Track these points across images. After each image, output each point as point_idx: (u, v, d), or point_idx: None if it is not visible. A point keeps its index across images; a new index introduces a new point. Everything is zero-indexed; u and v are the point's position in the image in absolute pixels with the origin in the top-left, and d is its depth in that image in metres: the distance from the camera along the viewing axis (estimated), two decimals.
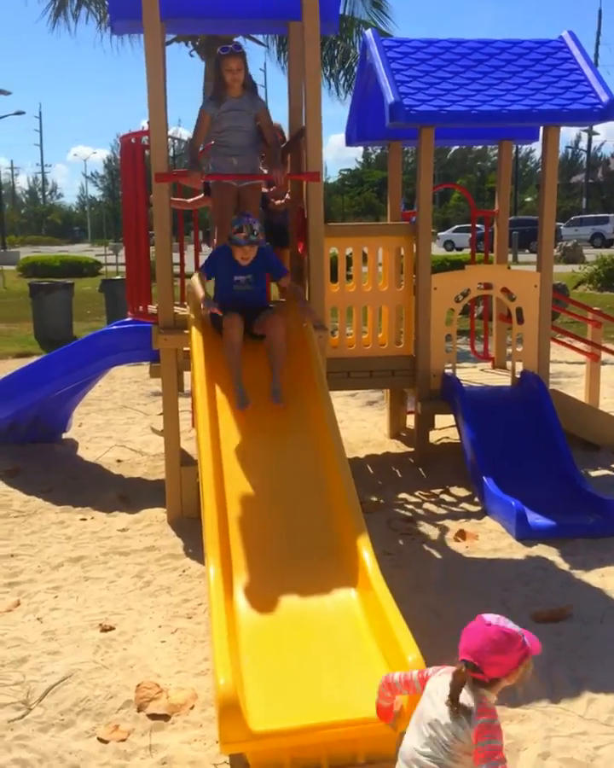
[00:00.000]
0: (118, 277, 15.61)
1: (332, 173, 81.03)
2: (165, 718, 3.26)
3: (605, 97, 6.04)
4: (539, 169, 6.67)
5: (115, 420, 8.31)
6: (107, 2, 6.48)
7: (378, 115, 6.32)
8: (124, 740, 3.13)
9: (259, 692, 3.00)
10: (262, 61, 71.26)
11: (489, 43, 6.52)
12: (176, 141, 15.22)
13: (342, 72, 16.77)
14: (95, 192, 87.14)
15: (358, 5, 16.56)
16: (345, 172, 72.51)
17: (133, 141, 5.72)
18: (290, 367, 4.82)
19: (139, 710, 3.30)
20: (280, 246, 5.84)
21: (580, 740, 3.11)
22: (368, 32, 6.72)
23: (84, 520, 5.49)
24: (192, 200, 6.36)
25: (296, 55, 5.81)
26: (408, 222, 7.02)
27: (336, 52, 16.50)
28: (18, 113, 48.84)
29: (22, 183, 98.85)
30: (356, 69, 11.62)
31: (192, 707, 3.32)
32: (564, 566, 4.66)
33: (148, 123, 5.16)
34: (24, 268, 28.28)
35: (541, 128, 6.42)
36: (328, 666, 3.16)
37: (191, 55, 15.39)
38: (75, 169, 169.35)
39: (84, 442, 7.40)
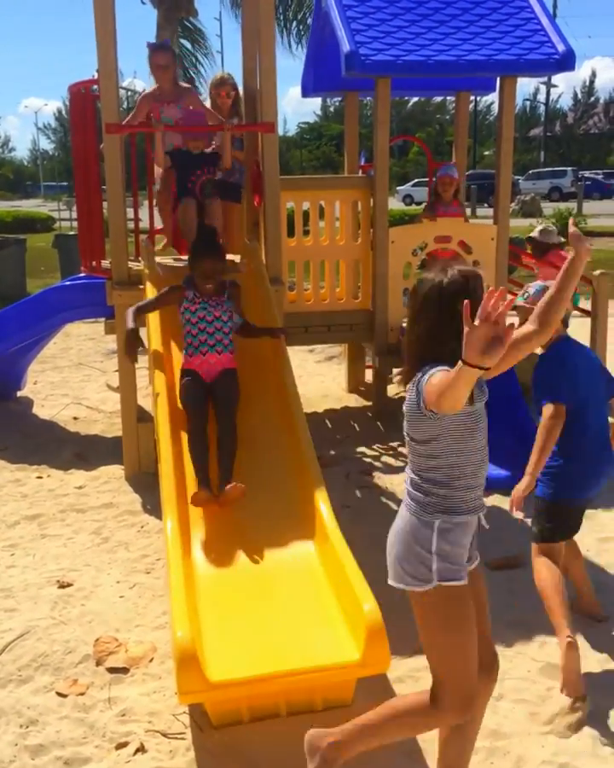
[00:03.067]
0: (72, 233, 15.33)
1: (291, 127, 79.93)
2: (124, 671, 3.28)
3: (561, 47, 6.00)
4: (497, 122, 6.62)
5: (71, 377, 8.22)
6: None
7: (334, 65, 6.22)
8: (82, 694, 3.14)
9: (217, 643, 3.03)
10: (216, 10, 69.64)
11: None
12: (129, 92, 14.88)
13: (295, 23, 16.44)
14: (47, 145, 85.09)
15: None
16: (303, 126, 71.65)
17: (83, 91, 5.57)
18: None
19: (98, 664, 3.32)
20: (231, 201, 5.74)
21: (532, 682, 3.19)
22: None
23: (41, 478, 5.45)
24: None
25: (250, 2, 5.67)
26: (366, 175, 6.96)
27: (290, 2, 16.16)
28: None
29: None
30: (310, 20, 11.41)
31: (150, 660, 3.34)
32: (519, 515, 4.72)
33: (98, 72, 5.02)
34: None
35: (498, 79, 6.37)
36: (286, 617, 3.19)
37: (143, 3, 15.00)
38: (27, 121, 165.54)
39: (40, 400, 7.31)
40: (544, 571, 3.38)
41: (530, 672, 3.25)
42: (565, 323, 3.55)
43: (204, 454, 3.91)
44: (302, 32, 16.30)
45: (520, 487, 3.32)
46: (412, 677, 3.23)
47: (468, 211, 11.98)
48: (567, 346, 3.53)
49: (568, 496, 3.44)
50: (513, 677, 3.22)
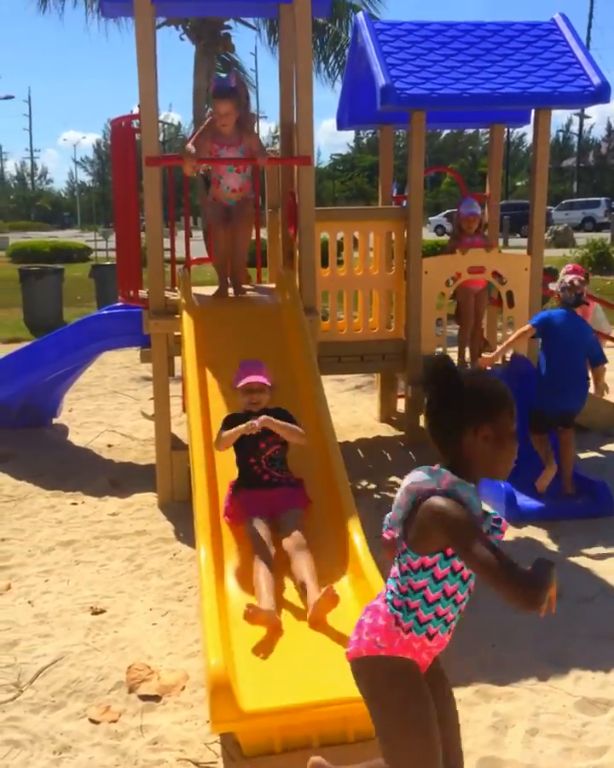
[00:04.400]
0: (109, 263, 15.55)
1: (324, 158, 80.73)
2: (157, 698, 3.28)
3: (596, 80, 6.03)
4: (531, 153, 6.66)
5: (106, 405, 8.30)
6: None
7: (369, 99, 6.29)
8: (115, 721, 3.15)
9: (250, 672, 3.03)
10: (252, 45, 70.68)
11: (481, 25, 6.49)
12: (166, 125, 15.14)
13: (332, 57, 16.65)
14: (84, 177, 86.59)
15: None
16: (337, 157, 72.29)
17: (124, 125, 5.69)
18: (281, 352, 4.83)
19: (130, 691, 3.32)
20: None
21: (568, 716, 3.14)
22: (359, 15, 6.68)
23: (75, 504, 5.50)
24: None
25: (287, 39, 5.78)
26: (400, 206, 7.01)
27: (326, 37, 16.38)
28: (7, 98, 48.65)
29: (11, 168, 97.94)
30: (345, 54, 11.57)
31: (183, 688, 3.34)
32: (553, 547, 4.70)
33: (139, 107, 5.13)
34: (13, 254, 28.07)
35: (533, 111, 6.41)
36: (318, 646, 3.19)
37: (182, 39, 15.27)
38: (65, 154, 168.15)
39: (75, 427, 7.39)
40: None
41: (565, 707, 3.20)
42: (573, 302, 5.32)
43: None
44: (338, 67, 16.49)
45: (486, 356, 5.66)
46: None
47: (501, 241, 12.01)
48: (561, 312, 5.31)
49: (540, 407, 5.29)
50: (548, 712, 3.17)
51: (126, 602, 4.09)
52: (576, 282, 5.34)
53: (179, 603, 4.07)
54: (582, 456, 6.30)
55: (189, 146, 5.25)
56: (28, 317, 13.59)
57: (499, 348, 5.72)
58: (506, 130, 8.19)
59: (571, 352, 5.25)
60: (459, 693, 3.26)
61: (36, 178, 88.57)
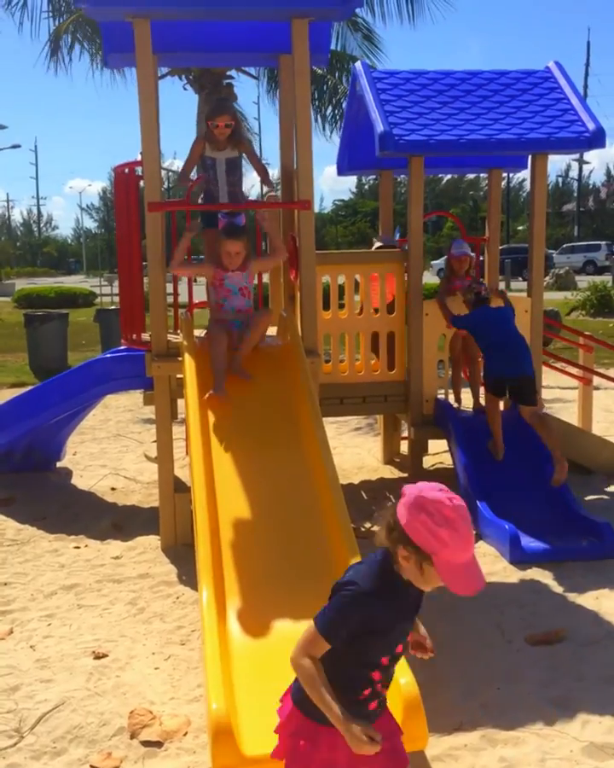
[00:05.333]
0: (113, 307, 15.68)
1: (327, 204, 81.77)
2: (159, 744, 3.24)
3: (591, 125, 6.14)
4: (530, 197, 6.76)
5: (109, 448, 8.31)
6: (101, 37, 6.58)
7: (368, 145, 6.42)
8: (117, 767, 3.10)
9: (252, 717, 2.99)
10: (254, 94, 72.02)
11: (477, 73, 6.64)
12: (169, 173, 15.37)
13: (331, 107, 16.95)
14: (90, 224, 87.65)
15: (350, 40, 16.79)
16: (339, 203, 73.17)
17: (126, 171, 5.80)
18: (283, 394, 4.86)
19: (132, 737, 3.29)
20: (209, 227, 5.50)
21: (575, 762, 3.10)
22: (358, 64, 6.83)
23: (78, 548, 5.48)
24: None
25: (287, 87, 5.91)
26: (400, 249, 7.09)
27: (325, 88, 16.70)
28: (14, 147, 49.41)
29: (17, 216, 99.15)
30: (344, 104, 11.80)
31: (185, 734, 3.30)
32: (559, 589, 4.66)
33: (141, 154, 5.23)
34: (19, 299, 28.35)
35: (530, 156, 6.52)
36: None
37: (185, 89, 15.58)
38: (71, 201, 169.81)
39: (79, 470, 7.40)
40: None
41: (572, 752, 3.16)
42: (475, 302, 6.02)
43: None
44: (336, 118, 16.79)
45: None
46: (451, 756, 3.15)
47: (502, 284, 12.08)
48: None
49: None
50: (556, 757, 3.12)
51: (128, 646, 4.06)
52: (470, 286, 6.18)
53: (182, 647, 4.04)
54: (587, 497, 6.28)
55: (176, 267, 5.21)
56: (33, 362, 13.68)
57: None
58: (505, 174, 8.32)
59: (505, 328, 5.92)
60: (464, 738, 3.22)
61: (41, 225, 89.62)
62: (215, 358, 4.80)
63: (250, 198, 5.63)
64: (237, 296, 5.07)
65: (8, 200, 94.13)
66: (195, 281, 6.32)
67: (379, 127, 5.98)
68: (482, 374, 6.34)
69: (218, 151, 5.23)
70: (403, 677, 2.91)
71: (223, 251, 4.94)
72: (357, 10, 13.38)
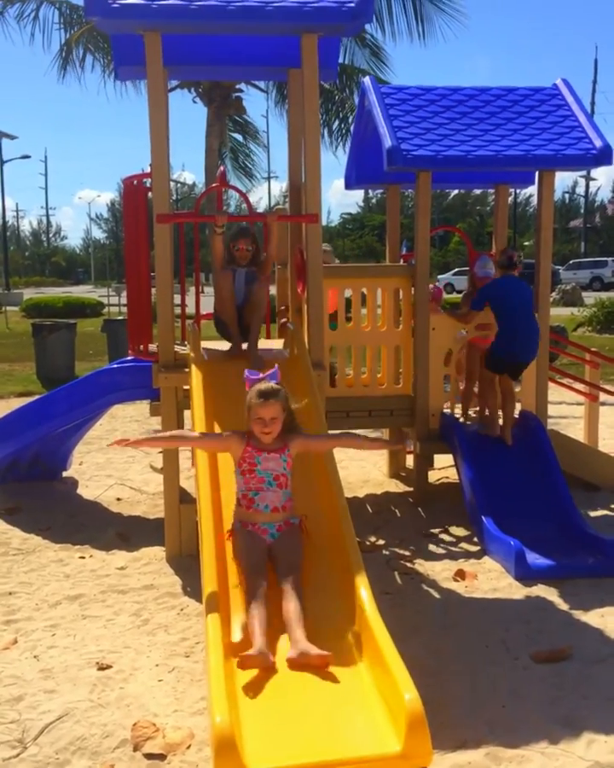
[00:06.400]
0: (121, 318, 15.72)
1: (334, 217, 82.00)
2: (161, 757, 3.23)
3: (598, 143, 6.17)
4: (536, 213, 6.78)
5: (115, 458, 8.32)
6: (112, 50, 6.63)
7: (376, 159, 6.45)
8: None
9: (256, 730, 2.98)
10: (263, 107, 72.36)
11: (485, 90, 6.68)
12: (179, 184, 15.46)
13: (338, 122, 17.05)
14: (99, 234, 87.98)
15: (358, 54, 16.92)
16: (347, 216, 73.39)
17: (135, 183, 5.83)
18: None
19: (135, 749, 3.27)
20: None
21: None
22: (366, 80, 6.88)
23: (83, 558, 5.48)
24: None
25: (295, 101, 5.95)
26: (408, 264, 7.11)
27: (332, 104, 16.81)
28: (24, 157, 49.65)
29: (26, 226, 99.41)
30: (351, 119, 11.87)
31: (188, 747, 3.29)
32: (564, 606, 4.64)
33: (151, 166, 5.27)
34: (27, 309, 28.48)
35: (537, 172, 6.55)
36: (325, 704, 3.14)
37: (194, 102, 15.71)
38: (80, 211, 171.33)
39: (85, 480, 7.41)
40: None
41: None
42: (507, 264, 6.25)
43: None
44: (343, 132, 16.89)
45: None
46: None
47: None
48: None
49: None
50: None
51: (132, 657, 4.05)
52: (504, 250, 6.49)
53: (186, 659, 4.03)
54: (592, 514, 6.27)
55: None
56: (40, 371, 13.72)
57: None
58: (512, 190, 8.35)
59: (526, 307, 6.14)
60: (469, 755, 3.21)
61: (50, 235, 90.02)
62: (249, 590, 3.60)
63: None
64: (272, 489, 3.87)
65: (17, 210, 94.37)
66: (202, 291, 6.33)
67: (388, 142, 6.02)
68: (489, 347, 6.31)
69: (239, 266, 5.35)
70: (408, 692, 2.89)
71: (253, 418, 3.82)
72: (366, 26, 13.47)
